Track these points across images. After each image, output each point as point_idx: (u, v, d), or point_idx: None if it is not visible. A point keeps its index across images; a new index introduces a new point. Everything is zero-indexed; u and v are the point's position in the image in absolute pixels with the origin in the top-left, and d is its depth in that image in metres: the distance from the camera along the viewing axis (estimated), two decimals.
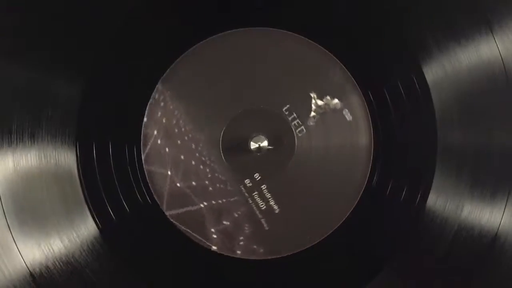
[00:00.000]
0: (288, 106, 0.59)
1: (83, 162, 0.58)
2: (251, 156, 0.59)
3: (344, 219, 0.59)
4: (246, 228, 0.59)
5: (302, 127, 0.59)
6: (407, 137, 0.59)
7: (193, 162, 0.59)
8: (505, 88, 0.57)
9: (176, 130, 0.60)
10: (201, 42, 0.60)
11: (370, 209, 0.59)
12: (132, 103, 0.59)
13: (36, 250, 0.57)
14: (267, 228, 0.59)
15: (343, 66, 0.60)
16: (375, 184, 0.59)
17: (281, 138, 0.60)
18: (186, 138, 0.59)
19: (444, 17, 0.58)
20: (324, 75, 0.60)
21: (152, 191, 0.59)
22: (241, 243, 0.59)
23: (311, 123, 0.59)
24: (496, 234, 0.57)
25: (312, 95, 0.59)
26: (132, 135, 0.59)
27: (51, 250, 0.57)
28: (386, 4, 0.59)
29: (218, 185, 0.59)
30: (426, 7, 0.58)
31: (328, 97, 0.59)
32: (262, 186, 0.59)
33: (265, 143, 0.59)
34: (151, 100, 0.59)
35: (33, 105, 0.57)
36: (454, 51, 0.58)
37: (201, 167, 0.59)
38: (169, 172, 0.59)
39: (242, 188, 0.60)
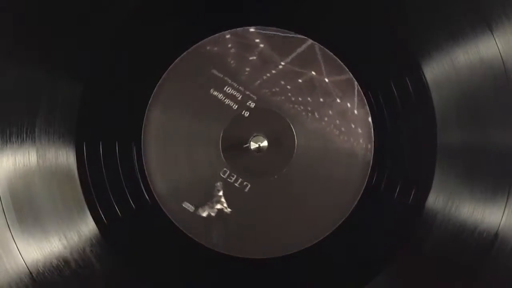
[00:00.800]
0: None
1: (83, 162, 0.58)
2: (251, 156, 0.59)
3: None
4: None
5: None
6: (407, 137, 0.59)
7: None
8: (505, 88, 0.57)
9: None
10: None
11: (370, 209, 0.59)
12: (132, 103, 0.59)
13: (36, 250, 0.57)
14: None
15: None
16: (375, 184, 0.59)
17: (281, 138, 0.60)
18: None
19: (444, 17, 0.58)
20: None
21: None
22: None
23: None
24: (496, 234, 0.57)
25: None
26: (132, 135, 0.59)
27: (51, 250, 0.57)
28: (386, 4, 0.59)
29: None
30: (426, 7, 0.58)
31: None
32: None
33: (265, 143, 0.59)
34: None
35: (33, 105, 0.57)
36: (454, 51, 0.58)
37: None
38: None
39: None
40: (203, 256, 0.60)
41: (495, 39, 0.57)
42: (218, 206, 0.59)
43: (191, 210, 0.59)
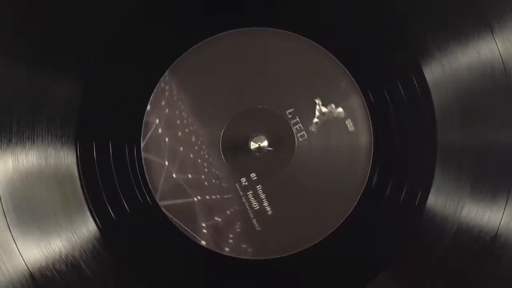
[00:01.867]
0: (292, 110, 0.59)
1: (83, 162, 0.58)
2: (251, 156, 0.59)
3: (344, 219, 0.59)
4: (237, 227, 0.59)
5: (304, 132, 0.59)
6: (407, 137, 0.59)
7: (191, 155, 0.59)
8: (505, 88, 0.57)
9: (178, 122, 0.60)
10: (202, 42, 0.60)
11: (370, 209, 0.59)
12: (132, 103, 0.59)
13: (36, 250, 0.57)
14: (258, 229, 0.59)
15: (343, 66, 0.60)
16: (375, 184, 0.59)
17: (281, 139, 0.60)
18: (187, 130, 0.60)
19: (444, 17, 0.58)
20: (327, 79, 0.60)
21: (148, 179, 0.59)
22: (230, 241, 0.59)
23: (313, 129, 0.59)
24: (496, 234, 0.57)
25: (317, 101, 0.59)
26: (132, 135, 0.59)
27: (51, 250, 0.57)
28: (386, 4, 0.59)
29: (213, 180, 0.59)
30: (426, 7, 0.58)
31: (333, 105, 0.59)
32: (258, 186, 0.59)
33: (265, 143, 0.59)
34: (156, 88, 0.59)
35: (33, 105, 0.57)
36: (454, 51, 0.58)
37: (199, 161, 0.59)
38: (166, 162, 0.59)
39: (237, 186, 0.60)
40: (203, 256, 0.60)
41: (495, 39, 0.57)
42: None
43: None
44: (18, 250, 0.57)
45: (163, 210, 0.59)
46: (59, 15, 0.58)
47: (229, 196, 0.59)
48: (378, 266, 0.59)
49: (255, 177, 0.60)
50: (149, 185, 0.59)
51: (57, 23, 0.58)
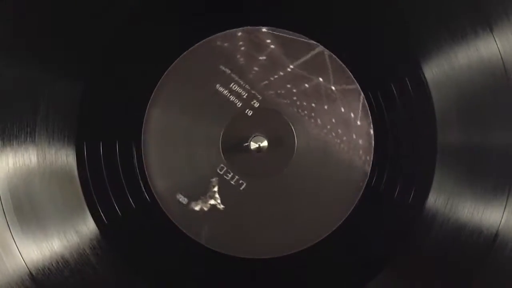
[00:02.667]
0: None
1: (83, 162, 0.58)
2: (251, 156, 0.59)
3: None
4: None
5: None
6: (407, 137, 0.59)
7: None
8: (505, 88, 0.57)
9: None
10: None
11: (370, 209, 0.59)
12: (132, 103, 0.59)
13: (36, 250, 0.57)
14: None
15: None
16: (375, 184, 0.59)
17: (281, 139, 0.60)
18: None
19: (444, 17, 0.58)
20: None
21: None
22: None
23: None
24: (496, 234, 0.57)
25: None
26: (132, 135, 0.59)
27: (51, 250, 0.57)
28: (386, 4, 0.59)
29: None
30: (426, 7, 0.58)
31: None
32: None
33: (265, 143, 0.59)
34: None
35: (33, 105, 0.57)
36: (454, 51, 0.58)
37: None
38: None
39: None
40: (202, 255, 0.60)
41: (495, 39, 0.58)
42: (212, 202, 0.59)
43: (185, 203, 0.59)
44: (18, 250, 0.57)
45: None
46: (59, 15, 0.58)
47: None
48: (378, 266, 0.59)
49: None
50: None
51: (57, 23, 0.58)
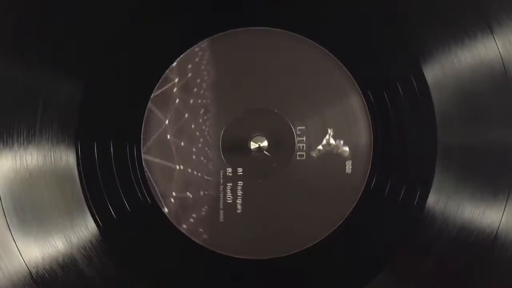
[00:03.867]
0: (303, 128, 0.59)
1: (83, 162, 0.58)
2: (251, 156, 0.59)
3: (344, 219, 0.59)
4: (203, 210, 0.59)
5: (304, 153, 0.59)
6: (407, 137, 0.59)
7: (192, 126, 0.59)
8: (505, 88, 0.57)
9: (195, 89, 0.59)
10: (200, 42, 0.60)
11: (370, 209, 0.59)
12: (132, 103, 0.59)
13: (36, 250, 0.57)
14: (221, 220, 0.59)
15: (343, 66, 0.60)
16: (375, 184, 0.59)
17: (281, 139, 0.60)
18: (199, 101, 0.59)
19: (444, 17, 0.58)
20: (328, 79, 0.60)
21: (142, 130, 0.59)
22: (191, 220, 0.59)
23: (314, 155, 0.59)
24: (496, 234, 0.57)
25: (329, 131, 0.59)
26: (132, 135, 0.59)
27: (51, 250, 0.57)
28: (386, 4, 0.59)
29: (202, 158, 0.59)
30: (426, 7, 0.58)
31: (342, 142, 0.59)
32: (239, 182, 0.59)
33: (265, 143, 0.59)
34: (151, 98, 0.60)
35: (33, 105, 0.57)
36: (454, 51, 0.58)
37: (197, 133, 0.59)
38: (167, 121, 0.59)
39: (221, 173, 0.60)
40: (202, 256, 0.60)
41: (495, 39, 0.57)
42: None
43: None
44: (18, 250, 0.57)
45: (143, 163, 0.59)
46: (59, 15, 0.58)
47: (209, 179, 0.59)
48: (378, 266, 0.59)
49: (241, 173, 0.60)
50: (151, 188, 0.59)
51: (57, 23, 0.58)
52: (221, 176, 0.60)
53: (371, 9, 0.59)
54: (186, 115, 0.60)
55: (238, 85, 0.60)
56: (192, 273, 0.60)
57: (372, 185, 0.59)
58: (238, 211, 0.59)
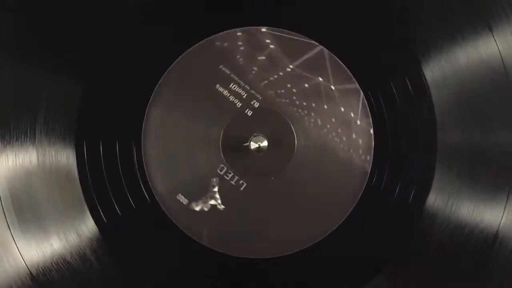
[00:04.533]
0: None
1: (83, 162, 0.58)
2: (251, 156, 0.59)
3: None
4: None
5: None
6: (407, 137, 0.59)
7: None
8: (505, 88, 0.57)
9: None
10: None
11: (370, 209, 0.59)
12: (132, 102, 0.59)
13: (36, 250, 0.57)
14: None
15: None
16: (375, 184, 0.59)
17: (281, 139, 0.60)
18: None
19: (444, 17, 0.58)
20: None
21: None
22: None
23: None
24: (496, 234, 0.57)
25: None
26: (132, 135, 0.59)
27: (51, 250, 0.57)
28: (386, 4, 0.59)
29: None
30: (426, 7, 0.58)
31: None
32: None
33: (265, 143, 0.59)
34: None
35: (33, 105, 0.57)
36: (454, 51, 0.58)
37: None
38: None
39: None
40: (202, 255, 0.60)
41: (495, 39, 0.57)
42: (212, 202, 0.59)
43: (185, 203, 0.59)
44: (18, 250, 0.57)
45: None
46: (59, 14, 0.58)
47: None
48: (378, 266, 0.59)
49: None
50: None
51: (57, 22, 0.58)
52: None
53: (371, 9, 0.59)
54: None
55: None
56: (192, 273, 0.60)
57: (372, 185, 0.59)
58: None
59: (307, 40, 0.60)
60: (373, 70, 0.59)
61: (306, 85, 0.60)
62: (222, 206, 0.59)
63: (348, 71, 0.60)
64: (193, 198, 0.59)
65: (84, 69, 0.58)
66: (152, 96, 0.60)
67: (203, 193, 0.59)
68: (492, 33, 0.58)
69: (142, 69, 0.59)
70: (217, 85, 0.60)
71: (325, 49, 0.60)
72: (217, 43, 0.60)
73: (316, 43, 0.60)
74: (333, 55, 0.60)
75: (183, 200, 0.59)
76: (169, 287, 0.60)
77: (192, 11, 0.60)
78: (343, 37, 0.60)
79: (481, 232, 0.57)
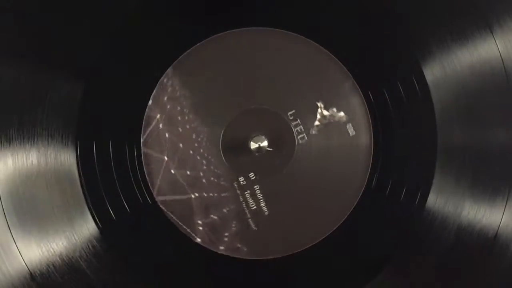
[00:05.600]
0: (293, 111, 0.59)
1: (83, 162, 0.58)
2: (251, 156, 0.59)
3: (344, 219, 0.59)
4: (233, 226, 0.59)
5: (304, 134, 0.59)
6: (407, 137, 0.59)
7: (190, 152, 0.59)
8: (505, 88, 0.57)
9: (179, 118, 0.59)
10: (203, 41, 0.60)
11: (370, 209, 0.59)
12: (132, 103, 0.59)
13: (36, 250, 0.57)
14: (254, 229, 0.59)
15: (343, 66, 0.60)
16: (375, 184, 0.59)
17: (281, 139, 0.60)
18: (188, 127, 0.59)
19: (444, 17, 0.58)
20: (328, 79, 0.60)
21: (146, 174, 0.59)
22: (226, 239, 0.59)
23: (314, 132, 0.59)
24: (496, 234, 0.57)
25: (319, 104, 0.59)
26: (132, 135, 0.59)
27: (51, 250, 0.57)
28: (386, 4, 0.59)
29: (212, 178, 0.59)
30: (426, 7, 0.58)
31: (335, 109, 0.59)
32: (256, 186, 0.59)
33: (265, 143, 0.59)
34: (158, 83, 0.59)
35: (33, 105, 0.57)
36: (454, 51, 0.58)
37: (198, 158, 0.59)
38: (165, 158, 0.59)
39: (235, 185, 0.60)
40: (203, 256, 0.60)
41: (495, 39, 0.58)
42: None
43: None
44: (18, 250, 0.57)
45: (160, 205, 0.59)
46: (59, 14, 0.58)
47: (226, 194, 0.59)
48: (378, 266, 0.59)
49: (254, 177, 0.60)
50: (147, 180, 0.59)
51: (57, 22, 0.58)
52: (236, 187, 0.60)
53: (371, 9, 0.59)
54: (181, 145, 0.59)
55: (238, 85, 0.60)
56: (191, 273, 0.60)
57: (372, 185, 0.59)
58: (266, 213, 0.59)
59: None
60: (373, 70, 0.59)
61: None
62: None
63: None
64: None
65: (84, 69, 0.58)
66: (152, 96, 0.60)
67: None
68: (492, 33, 0.58)
69: (142, 68, 0.59)
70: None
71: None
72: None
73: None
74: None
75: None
76: (169, 287, 0.60)
77: (193, 11, 0.60)
78: (343, 37, 0.59)
79: (481, 232, 0.57)
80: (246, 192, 0.60)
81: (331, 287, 0.60)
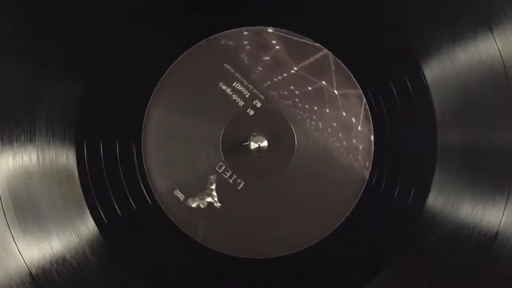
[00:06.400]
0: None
1: (83, 162, 0.58)
2: (251, 156, 0.59)
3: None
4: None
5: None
6: (407, 137, 0.59)
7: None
8: (505, 88, 0.57)
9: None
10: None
11: (370, 209, 0.59)
12: (132, 102, 0.59)
13: (36, 250, 0.57)
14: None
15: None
16: (375, 184, 0.59)
17: (281, 139, 0.60)
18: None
19: (444, 17, 0.58)
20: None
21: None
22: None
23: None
24: (496, 234, 0.57)
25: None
26: (132, 134, 0.59)
27: (51, 250, 0.57)
28: (386, 4, 0.59)
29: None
30: (426, 6, 0.58)
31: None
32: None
33: (265, 143, 0.59)
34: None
35: (33, 105, 0.57)
36: (454, 51, 0.58)
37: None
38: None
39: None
40: (203, 255, 0.60)
41: (495, 39, 0.58)
42: (209, 199, 0.59)
43: (181, 199, 0.59)
44: (18, 250, 0.56)
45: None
46: (59, 15, 0.57)
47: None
48: (378, 266, 0.59)
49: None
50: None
51: (57, 23, 0.57)
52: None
53: (371, 9, 0.59)
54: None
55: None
56: (192, 272, 0.60)
57: (372, 185, 0.59)
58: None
59: (312, 43, 0.60)
60: (374, 71, 0.60)
61: (309, 88, 0.60)
62: (219, 204, 0.59)
63: (352, 76, 0.60)
64: (190, 195, 0.59)
65: (84, 69, 0.58)
66: (152, 96, 0.60)
67: (201, 190, 0.59)
68: (492, 33, 0.58)
69: (142, 69, 0.59)
70: (220, 83, 0.60)
71: (330, 52, 0.60)
72: (223, 42, 0.60)
73: (322, 46, 0.60)
74: (338, 59, 0.60)
75: (180, 195, 0.59)
76: (169, 286, 0.60)
77: (193, 11, 0.60)
78: (343, 37, 0.60)
79: (481, 232, 0.57)
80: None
81: (331, 287, 0.60)
